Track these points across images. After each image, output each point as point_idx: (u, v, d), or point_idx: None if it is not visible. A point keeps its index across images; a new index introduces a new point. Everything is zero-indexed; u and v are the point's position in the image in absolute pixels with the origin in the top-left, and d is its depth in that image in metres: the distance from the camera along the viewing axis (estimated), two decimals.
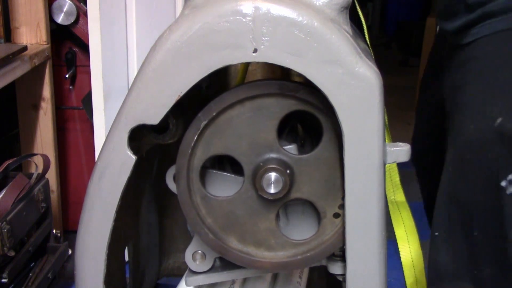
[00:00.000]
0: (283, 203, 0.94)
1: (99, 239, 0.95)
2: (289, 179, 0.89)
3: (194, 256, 1.02)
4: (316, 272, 1.37)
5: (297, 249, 0.95)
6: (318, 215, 0.94)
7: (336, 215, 0.93)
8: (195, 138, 0.90)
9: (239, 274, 1.04)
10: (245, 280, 1.21)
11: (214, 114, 0.90)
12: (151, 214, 1.34)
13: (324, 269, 1.00)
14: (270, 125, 0.90)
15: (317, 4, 0.87)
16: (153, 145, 0.99)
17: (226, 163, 1.00)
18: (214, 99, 0.90)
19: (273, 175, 0.89)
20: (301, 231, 0.96)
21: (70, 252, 1.89)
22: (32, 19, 1.90)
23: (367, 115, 0.85)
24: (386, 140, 1.03)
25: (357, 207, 0.89)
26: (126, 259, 1.21)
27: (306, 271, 1.27)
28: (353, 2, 0.92)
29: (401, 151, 0.92)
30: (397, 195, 1.09)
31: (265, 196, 0.90)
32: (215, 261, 1.03)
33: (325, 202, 0.92)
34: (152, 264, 1.39)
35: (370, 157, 0.87)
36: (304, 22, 0.83)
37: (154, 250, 1.40)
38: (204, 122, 0.90)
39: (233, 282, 1.18)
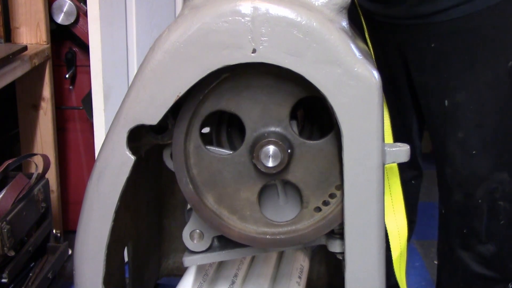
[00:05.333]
0: (272, 180, 0.93)
1: (98, 239, 0.95)
2: (287, 159, 0.89)
3: (192, 235, 1.01)
4: (316, 272, 1.37)
5: (268, 228, 0.94)
6: (301, 203, 0.94)
7: (318, 209, 0.93)
8: (211, 86, 0.89)
9: (238, 253, 1.03)
10: (245, 279, 1.21)
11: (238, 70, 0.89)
12: (151, 214, 1.34)
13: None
14: (287, 100, 0.90)
15: (316, 4, 0.87)
16: (152, 145, 0.99)
17: (224, 145, 0.99)
18: None
19: (272, 148, 0.88)
20: (295, 213, 0.96)
21: (70, 252, 1.88)
22: (32, 19, 1.89)
23: (366, 116, 0.85)
24: (388, 140, 1.02)
25: (356, 208, 0.89)
26: (126, 259, 1.21)
27: (305, 271, 1.27)
28: (352, 2, 0.92)
29: (400, 151, 0.92)
30: None
31: (258, 167, 0.90)
32: (213, 240, 1.02)
33: (312, 193, 0.92)
34: (152, 264, 1.39)
35: (369, 157, 0.87)
36: (303, 22, 0.83)
37: (154, 250, 1.40)
38: (225, 75, 0.89)
39: (233, 282, 1.18)
